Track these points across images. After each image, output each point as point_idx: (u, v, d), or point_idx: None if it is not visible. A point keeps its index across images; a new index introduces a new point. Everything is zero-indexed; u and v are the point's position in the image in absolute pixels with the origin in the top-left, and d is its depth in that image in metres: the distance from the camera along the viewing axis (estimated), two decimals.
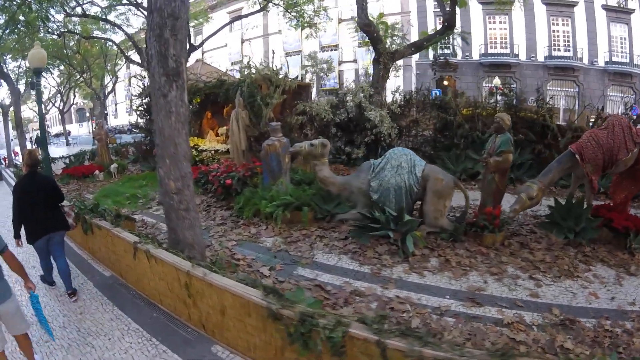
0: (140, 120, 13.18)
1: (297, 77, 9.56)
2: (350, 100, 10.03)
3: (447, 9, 11.76)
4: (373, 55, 11.18)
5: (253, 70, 8.52)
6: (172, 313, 3.85)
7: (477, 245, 4.83)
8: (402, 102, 10.64)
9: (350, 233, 5.28)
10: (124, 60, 28.53)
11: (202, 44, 17.24)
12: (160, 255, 3.67)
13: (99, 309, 4.10)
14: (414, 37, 18.91)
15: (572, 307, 3.61)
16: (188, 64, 13.94)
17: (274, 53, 9.22)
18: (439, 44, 12.50)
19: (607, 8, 23.76)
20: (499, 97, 11.52)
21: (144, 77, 13.99)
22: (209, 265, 3.30)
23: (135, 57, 21.82)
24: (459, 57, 22.85)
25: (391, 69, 11.48)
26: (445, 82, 23.80)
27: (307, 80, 14.61)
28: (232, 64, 29.89)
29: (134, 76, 22.08)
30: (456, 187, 5.24)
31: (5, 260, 2.89)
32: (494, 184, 5.37)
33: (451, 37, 12.62)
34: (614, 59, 24.38)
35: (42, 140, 9.53)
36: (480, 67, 24.80)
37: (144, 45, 20.56)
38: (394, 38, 12.21)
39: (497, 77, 21.81)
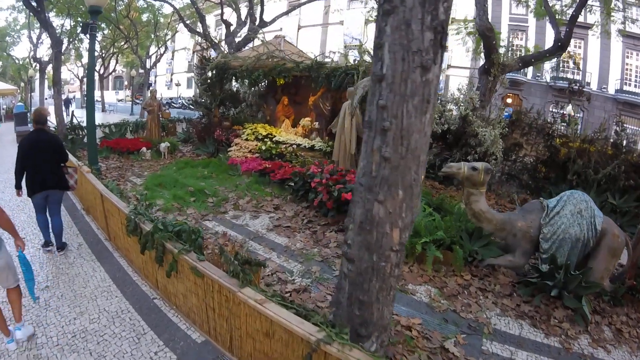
0: (199, 96, 11.82)
1: None
2: (453, 110, 8.57)
3: (566, 28, 10.42)
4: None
5: (367, 58, 6.97)
6: None
7: (635, 312, 4.22)
8: (508, 122, 9.29)
9: (519, 290, 4.30)
10: (171, 32, 27.49)
11: (274, 20, 15.14)
12: None
13: None
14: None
15: None
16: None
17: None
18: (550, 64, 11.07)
19: None
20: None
21: (209, 47, 12.67)
22: None
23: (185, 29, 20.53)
24: (529, 76, 21.19)
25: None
26: (509, 100, 22.07)
27: None
28: None
29: (199, 44, 20.51)
30: None
31: None
32: None
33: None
34: None
35: (89, 103, 8.04)
36: (550, 90, 23.03)
37: (206, 15, 19.10)
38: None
39: (570, 105, 19.97)
